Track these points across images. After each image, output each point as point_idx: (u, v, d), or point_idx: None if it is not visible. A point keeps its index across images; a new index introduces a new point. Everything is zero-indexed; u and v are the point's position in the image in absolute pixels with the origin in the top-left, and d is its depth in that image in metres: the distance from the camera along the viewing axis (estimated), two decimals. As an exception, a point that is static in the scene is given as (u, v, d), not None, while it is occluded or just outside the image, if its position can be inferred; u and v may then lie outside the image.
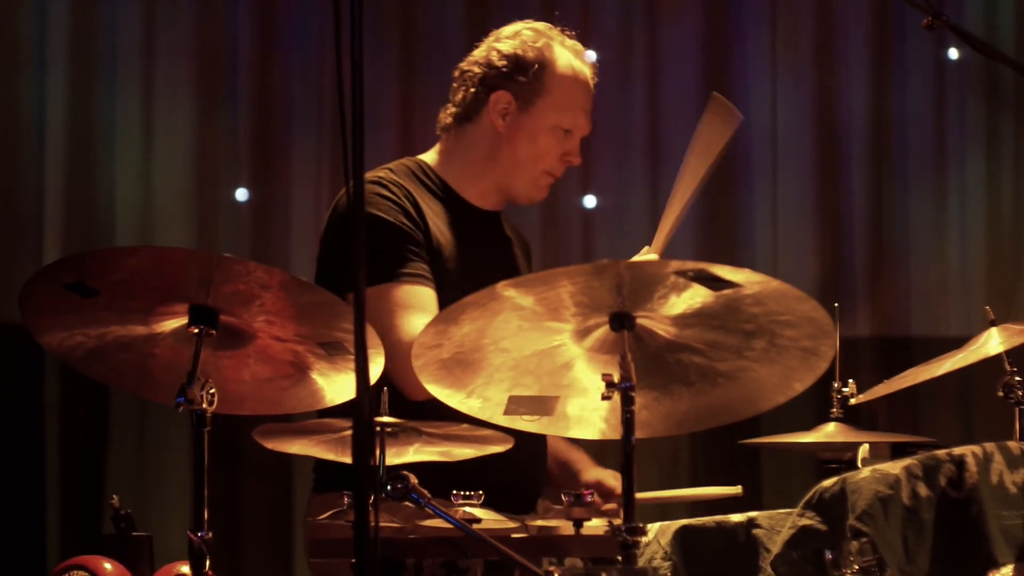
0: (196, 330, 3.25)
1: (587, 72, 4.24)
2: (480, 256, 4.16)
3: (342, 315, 3.23)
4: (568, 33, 4.27)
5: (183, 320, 3.28)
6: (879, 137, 6.59)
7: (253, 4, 6.37)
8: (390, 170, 4.17)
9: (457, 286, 3.86)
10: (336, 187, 6.23)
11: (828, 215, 6.58)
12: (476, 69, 4.21)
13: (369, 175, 4.10)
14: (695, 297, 3.04)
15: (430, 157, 4.26)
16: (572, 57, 4.22)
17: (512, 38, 4.22)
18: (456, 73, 4.25)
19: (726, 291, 3.02)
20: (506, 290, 3.02)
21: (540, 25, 4.25)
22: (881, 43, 6.61)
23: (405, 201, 4.08)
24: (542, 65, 4.18)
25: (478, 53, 4.23)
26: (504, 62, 4.19)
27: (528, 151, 4.18)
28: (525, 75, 4.17)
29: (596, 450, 4.42)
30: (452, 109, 4.24)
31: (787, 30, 6.60)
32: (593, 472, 4.26)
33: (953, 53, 6.61)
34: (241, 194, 6.33)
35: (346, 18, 2.72)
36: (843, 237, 6.57)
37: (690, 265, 2.99)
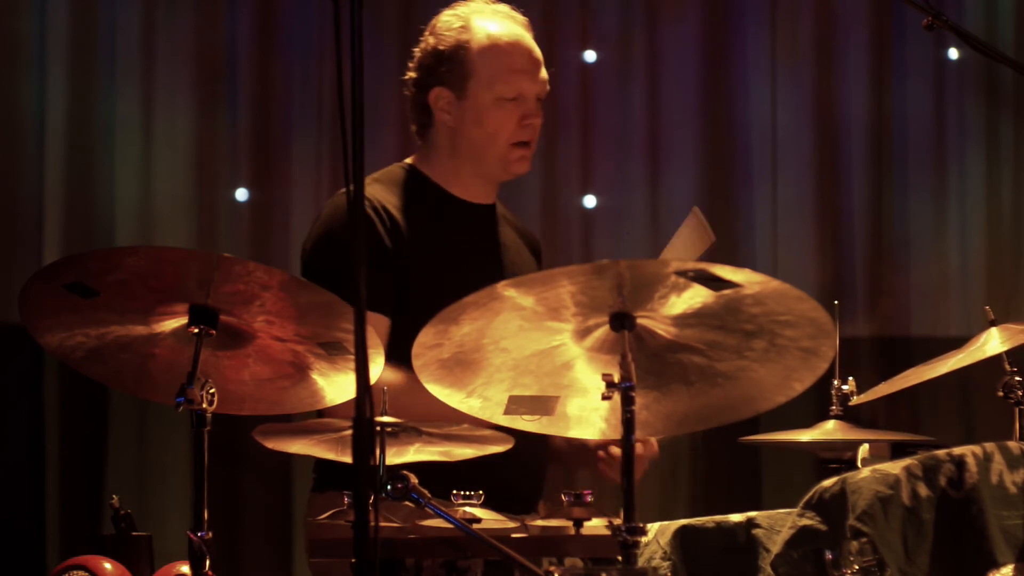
0: (196, 330, 3.25)
1: (516, 32, 4.17)
2: (469, 248, 4.16)
3: (342, 315, 3.23)
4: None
5: (183, 320, 3.28)
6: (879, 137, 6.59)
7: (253, 5, 6.37)
8: (374, 180, 4.17)
9: (446, 280, 3.87)
10: (336, 187, 6.21)
11: (828, 215, 6.58)
12: (413, 74, 4.22)
13: (342, 190, 4.09)
14: (695, 297, 3.03)
15: (415, 160, 4.26)
16: (492, 25, 4.16)
17: (431, 32, 4.21)
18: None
19: (726, 291, 3.02)
20: (506, 290, 3.02)
21: (462, 6, 4.21)
22: (881, 43, 6.61)
23: (372, 214, 4.06)
24: (459, 47, 4.14)
25: (414, 56, 4.23)
26: (429, 59, 4.18)
27: (481, 134, 4.16)
28: (449, 64, 4.15)
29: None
30: (411, 117, 4.25)
31: (787, 30, 6.59)
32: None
33: (953, 53, 6.61)
34: (241, 194, 6.33)
35: (346, 18, 2.72)
36: (843, 237, 6.57)
37: (690, 265, 2.99)
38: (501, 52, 4.16)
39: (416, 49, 4.23)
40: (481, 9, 4.20)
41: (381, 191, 4.13)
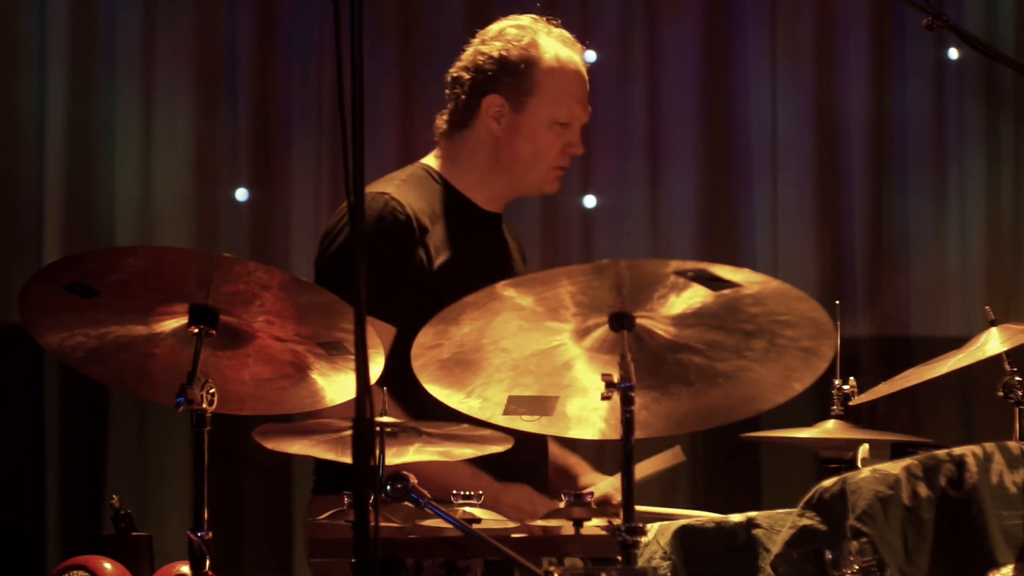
0: (196, 330, 3.25)
1: (576, 60, 4.20)
2: (485, 258, 4.16)
3: (342, 315, 3.23)
4: (554, 23, 4.23)
5: (183, 320, 3.28)
6: (879, 137, 6.59)
7: (253, 5, 6.37)
8: (402, 181, 4.14)
9: (463, 287, 3.86)
10: (336, 187, 6.24)
11: (828, 215, 6.58)
12: (465, 75, 4.18)
13: (376, 188, 4.07)
14: (695, 297, 3.04)
15: (435, 162, 4.23)
16: (559, 49, 4.18)
17: (497, 38, 4.18)
18: (447, 79, 4.23)
19: (726, 291, 3.02)
20: (506, 290, 3.03)
21: (524, 19, 4.21)
22: (881, 43, 6.61)
23: (409, 223, 4.04)
24: (529, 63, 4.15)
25: (466, 57, 4.20)
26: (491, 65, 4.15)
27: (528, 150, 4.16)
28: (513, 76, 4.14)
29: (596, 450, 4.42)
30: (447, 115, 4.22)
31: (787, 30, 6.60)
32: (591, 477, 4.24)
33: (953, 53, 6.61)
34: (241, 194, 6.33)
35: (346, 18, 2.72)
36: (843, 237, 6.57)
37: (690, 265, 2.99)
38: (566, 77, 4.17)
39: (473, 49, 4.19)
40: (548, 30, 4.21)
41: (412, 197, 4.09)
